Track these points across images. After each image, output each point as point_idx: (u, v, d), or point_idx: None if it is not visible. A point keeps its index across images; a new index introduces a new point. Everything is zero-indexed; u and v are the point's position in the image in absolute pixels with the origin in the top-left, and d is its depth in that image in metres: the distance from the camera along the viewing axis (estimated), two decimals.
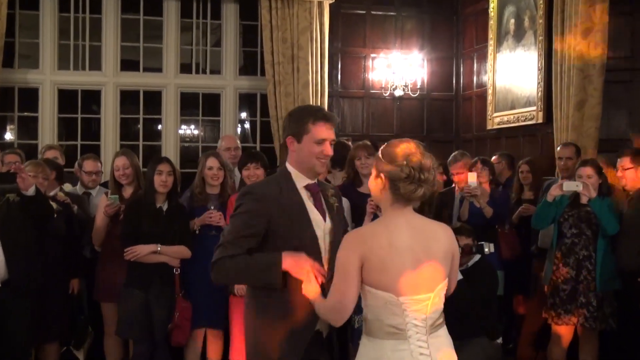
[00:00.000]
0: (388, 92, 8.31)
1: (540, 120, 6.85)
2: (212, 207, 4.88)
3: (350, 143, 6.20)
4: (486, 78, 7.96)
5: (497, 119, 7.70)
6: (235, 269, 2.72)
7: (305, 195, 2.82)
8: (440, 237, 2.50)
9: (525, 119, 7.12)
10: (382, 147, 2.54)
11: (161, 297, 4.62)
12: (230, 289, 4.78)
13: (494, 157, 6.57)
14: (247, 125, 9.08)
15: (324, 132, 2.78)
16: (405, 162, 2.41)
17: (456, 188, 5.95)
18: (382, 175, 2.46)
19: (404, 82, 8.29)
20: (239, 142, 6.67)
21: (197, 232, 4.90)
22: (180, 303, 4.74)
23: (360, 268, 2.39)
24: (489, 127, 7.84)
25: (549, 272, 4.94)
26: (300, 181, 2.83)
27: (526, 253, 5.84)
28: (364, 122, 8.44)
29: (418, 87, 8.38)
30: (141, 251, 4.59)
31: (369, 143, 5.21)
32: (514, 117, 7.35)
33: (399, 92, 8.30)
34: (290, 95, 7.72)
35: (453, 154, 6.22)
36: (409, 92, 8.33)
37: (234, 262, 2.70)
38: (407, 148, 2.45)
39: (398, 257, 2.41)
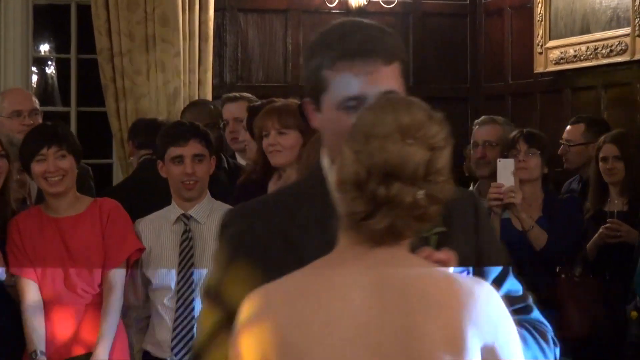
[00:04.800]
0: (336, 1, 8.38)
1: (637, 56, 7.00)
2: None
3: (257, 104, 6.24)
4: None
5: (554, 53, 7.92)
6: None
7: None
8: (447, 305, 2.34)
9: (610, 52, 7.30)
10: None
11: None
12: None
13: (568, 127, 6.64)
14: (50, 70, 9.25)
15: (355, 81, 2.64)
16: (362, 149, 2.36)
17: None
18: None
19: None
20: (36, 101, 6.91)
21: None
22: None
23: None
24: (539, 68, 8.08)
25: None
26: None
27: (617, 322, 5.88)
28: (287, 62, 8.67)
29: None
30: None
31: (292, 105, 5.20)
32: (587, 49, 7.54)
33: (358, 1, 8.38)
34: (139, 6, 7.91)
35: (475, 122, 6.44)
36: (379, 0, 8.41)
37: None
38: (383, 117, 2.37)
39: (331, 346, 2.31)
